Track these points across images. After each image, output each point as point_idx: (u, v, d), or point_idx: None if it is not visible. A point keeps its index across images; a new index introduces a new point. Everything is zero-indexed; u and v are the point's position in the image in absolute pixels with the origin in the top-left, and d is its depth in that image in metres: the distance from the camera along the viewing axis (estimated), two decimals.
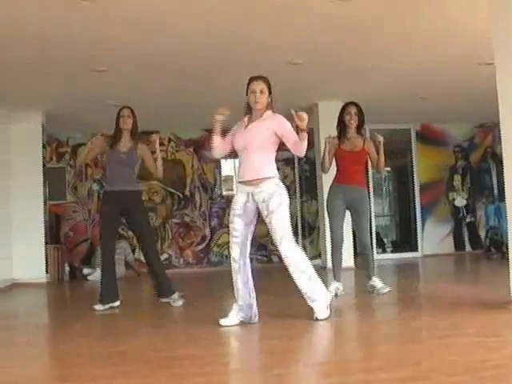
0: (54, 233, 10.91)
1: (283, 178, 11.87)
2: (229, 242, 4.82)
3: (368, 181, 6.54)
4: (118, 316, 5.77)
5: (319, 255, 10.63)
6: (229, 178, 12.00)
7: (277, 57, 7.37)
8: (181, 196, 11.91)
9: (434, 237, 12.39)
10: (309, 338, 4.29)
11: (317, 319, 4.65)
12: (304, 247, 11.58)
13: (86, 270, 10.50)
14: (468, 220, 12.65)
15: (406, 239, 13.47)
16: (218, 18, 6.13)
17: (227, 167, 11.88)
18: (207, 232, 11.87)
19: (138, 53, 7.04)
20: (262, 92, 4.79)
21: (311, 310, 4.72)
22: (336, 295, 6.16)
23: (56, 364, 3.79)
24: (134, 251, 11.26)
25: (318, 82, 8.71)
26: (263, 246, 11.93)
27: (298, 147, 4.70)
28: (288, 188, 12.08)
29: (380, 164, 6.48)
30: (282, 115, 4.85)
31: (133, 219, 6.28)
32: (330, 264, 9.82)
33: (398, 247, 13.63)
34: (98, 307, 5.97)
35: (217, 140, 4.94)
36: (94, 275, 10.09)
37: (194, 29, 6.39)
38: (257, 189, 4.71)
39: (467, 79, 8.65)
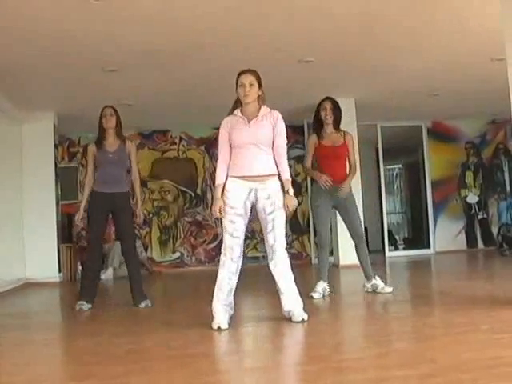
0: (66, 232, 10.96)
1: (294, 176, 11.90)
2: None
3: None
4: (133, 314, 5.79)
5: (331, 253, 10.62)
6: None
7: (288, 55, 7.39)
8: (192, 195, 11.95)
9: (446, 234, 12.38)
10: (322, 334, 4.29)
11: (303, 320, 4.56)
12: (316, 245, 11.58)
13: None
14: (480, 217, 12.61)
15: (418, 236, 13.46)
16: (230, 16, 6.14)
17: None
18: (219, 230, 11.88)
19: (150, 52, 7.06)
20: (251, 85, 4.65)
21: (288, 312, 4.67)
22: (323, 296, 6.14)
23: (73, 362, 3.80)
24: (146, 250, 11.35)
25: (329, 79, 8.70)
26: None
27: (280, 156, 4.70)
28: (299, 186, 12.00)
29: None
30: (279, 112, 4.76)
31: (119, 221, 6.33)
32: (342, 262, 9.96)
33: (410, 244, 13.64)
34: (81, 303, 6.06)
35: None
36: (108, 273, 10.16)
37: (205, 28, 6.40)
38: (262, 185, 4.62)
39: (479, 75, 8.64)
